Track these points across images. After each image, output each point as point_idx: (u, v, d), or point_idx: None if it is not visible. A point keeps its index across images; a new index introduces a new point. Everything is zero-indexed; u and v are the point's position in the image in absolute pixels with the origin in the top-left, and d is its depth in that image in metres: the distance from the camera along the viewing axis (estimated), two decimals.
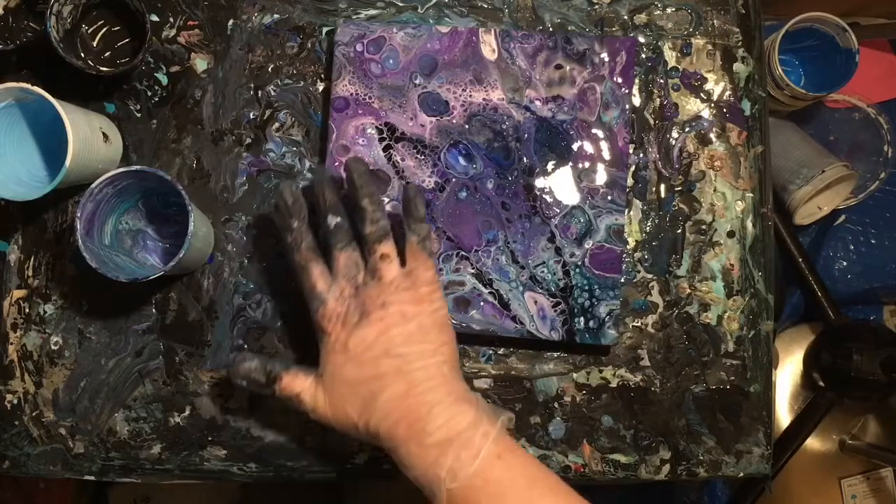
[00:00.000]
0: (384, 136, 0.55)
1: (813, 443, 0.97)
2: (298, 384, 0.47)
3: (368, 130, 0.55)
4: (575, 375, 0.56)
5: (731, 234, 0.57)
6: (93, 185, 0.48)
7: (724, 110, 0.58)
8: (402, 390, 0.44)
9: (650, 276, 0.56)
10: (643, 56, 0.58)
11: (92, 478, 0.56)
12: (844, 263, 0.94)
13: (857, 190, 0.90)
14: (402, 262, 0.47)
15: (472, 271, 0.54)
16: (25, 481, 1.00)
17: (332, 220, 0.48)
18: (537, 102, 0.55)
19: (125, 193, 0.52)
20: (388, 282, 0.46)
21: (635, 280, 0.56)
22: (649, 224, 0.57)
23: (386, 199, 0.54)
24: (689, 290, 0.56)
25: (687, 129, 0.57)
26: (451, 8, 0.58)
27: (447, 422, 0.43)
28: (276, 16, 0.58)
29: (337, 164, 0.54)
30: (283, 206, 0.49)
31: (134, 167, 0.48)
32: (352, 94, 0.55)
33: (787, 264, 0.91)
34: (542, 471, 0.44)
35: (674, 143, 0.57)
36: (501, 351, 0.56)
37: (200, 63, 0.58)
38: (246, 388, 0.49)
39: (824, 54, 0.82)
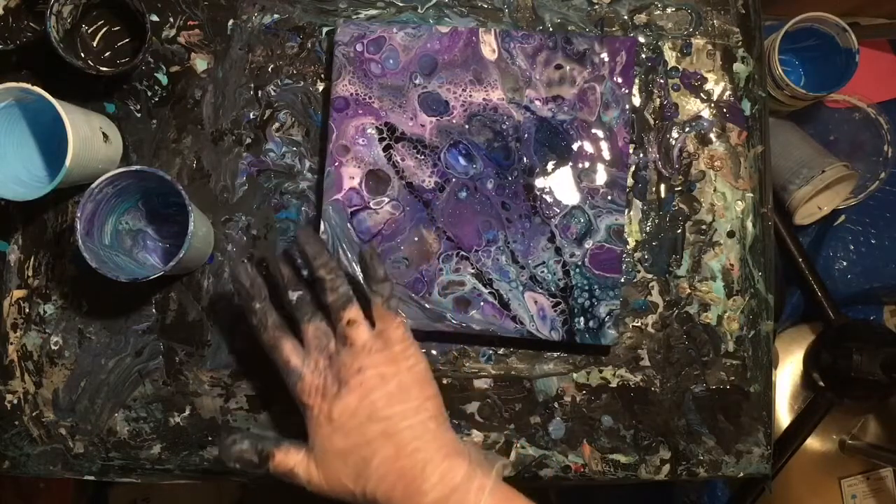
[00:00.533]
0: (384, 136, 0.55)
1: (813, 443, 0.97)
2: (291, 459, 0.46)
3: (368, 130, 0.55)
4: (575, 375, 0.56)
5: (731, 234, 0.57)
6: (93, 185, 0.48)
7: (724, 110, 0.58)
8: (393, 453, 0.43)
9: (650, 276, 0.56)
10: (643, 56, 0.58)
11: (92, 478, 0.56)
12: (844, 263, 0.94)
13: (857, 190, 0.90)
14: (372, 323, 0.47)
15: (472, 271, 0.54)
16: (25, 481, 1.00)
17: (294, 295, 0.48)
18: (537, 102, 0.55)
19: (125, 193, 0.52)
20: (360, 347, 0.46)
21: (635, 280, 0.56)
22: (649, 224, 0.57)
23: (385, 199, 0.54)
24: (689, 290, 0.56)
25: (687, 129, 0.57)
26: (451, 8, 0.58)
27: (441, 479, 0.42)
28: (276, 16, 0.58)
29: (337, 164, 0.54)
30: (241, 290, 0.48)
31: (134, 167, 0.48)
32: (352, 94, 0.55)
33: (787, 264, 0.91)
34: None
35: (674, 143, 0.57)
36: (501, 351, 0.56)
37: (200, 63, 0.58)
38: (239, 469, 0.47)
39: (824, 54, 0.82)
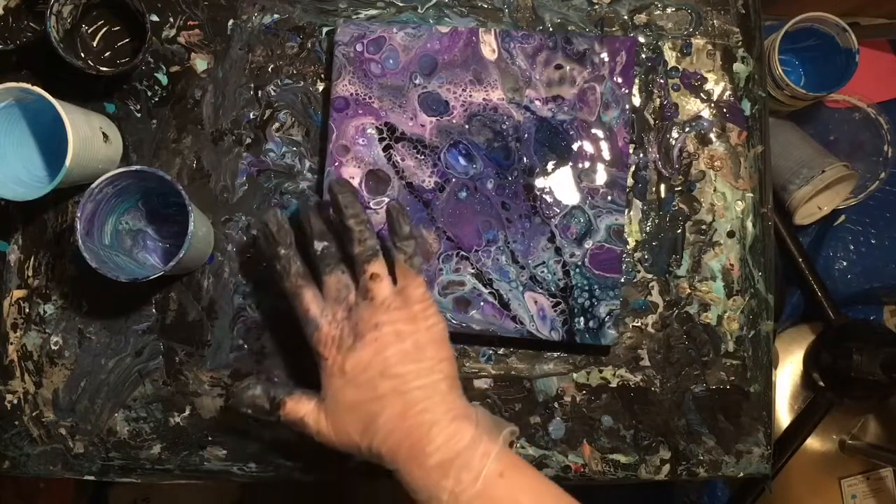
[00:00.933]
0: (384, 136, 0.55)
1: (813, 443, 0.97)
2: (302, 408, 0.46)
3: (368, 130, 0.55)
4: (575, 375, 0.56)
5: (731, 234, 0.57)
6: (93, 185, 0.48)
7: (724, 110, 0.58)
8: (401, 410, 0.43)
9: (650, 276, 0.56)
10: (643, 56, 0.58)
11: (92, 478, 0.56)
12: (844, 263, 0.94)
13: (857, 190, 0.90)
14: (394, 281, 0.47)
15: (472, 271, 0.54)
16: (25, 481, 1.00)
17: (319, 245, 0.48)
18: (537, 102, 0.55)
19: (125, 193, 0.52)
20: (380, 302, 0.46)
21: (635, 280, 0.56)
22: (649, 224, 0.57)
23: (385, 199, 0.54)
24: (689, 290, 0.56)
25: (687, 129, 0.57)
26: (451, 8, 0.58)
27: (446, 442, 0.42)
28: (276, 16, 0.58)
29: (337, 164, 0.54)
30: (269, 234, 0.48)
31: (134, 167, 0.48)
32: (352, 94, 0.55)
33: (787, 264, 0.91)
34: (546, 485, 0.44)
35: (674, 143, 0.57)
36: (501, 351, 0.56)
37: (200, 63, 0.58)
38: (251, 415, 0.48)
39: (824, 54, 0.82)
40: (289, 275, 0.48)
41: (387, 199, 0.54)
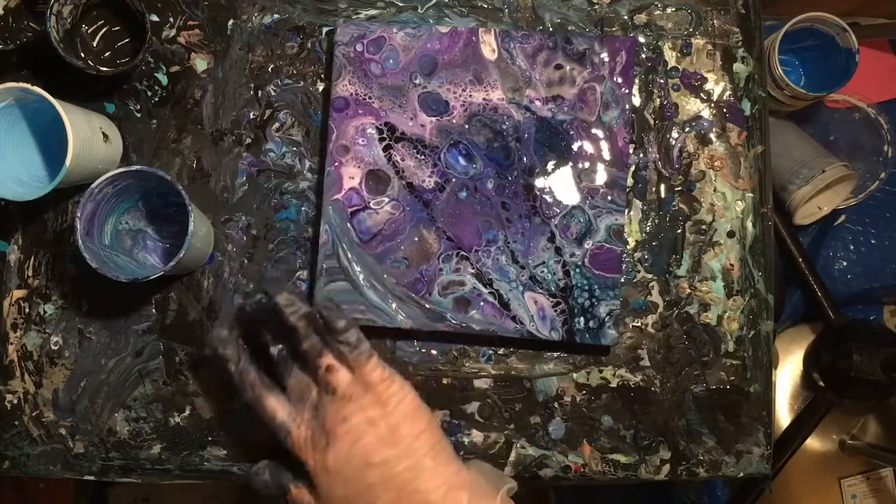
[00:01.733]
0: (384, 136, 0.55)
1: (813, 443, 0.97)
2: (305, 497, 0.46)
3: (368, 130, 0.55)
4: (575, 375, 0.56)
5: (731, 234, 0.57)
6: (93, 185, 0.48)
7: (724, 110, 0.58)
8: (393, 497, 0.43)
9: (650, 276, 0.56)
10: (643, 56, 0.58)
11: (92, 478, 0.56)
12: (844, 263, 0.94)
13: (857, 190, 0.90)
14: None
15: (472, 271, 0.54)
16: (25, 481, 1.00)
17: (274, 350, 0.47)
18: (537, 102, 0.55)
19: (125, 193, 0.52)
20: (342, 394, 0.45)
21: (635, 280, 0.56)
22: (649, 224, 0.57)
23: (385, 199, 0.54)
24: (689, 290, 0.56)
25: (687, 129, 0.57)
26: (451, 8, 0.58)
27: None
28: (276, 16, 0.58)
29: (337, 164, 0.54)
30: (215, 355, 0.47)
31: (134, 167, 0.48)
32: (352, 94, 0.55)
33: (787, 264, 0.91)
34: None
35: (674, 143, 0.57)
36: (501, 351, 0.56)
37: (200, 63, 0.58)
38: (266, 496, 0.48)
39: (824, 54, 0.82)
40: (245, 387, 0.47)
41: (386, 199, 0.54)
